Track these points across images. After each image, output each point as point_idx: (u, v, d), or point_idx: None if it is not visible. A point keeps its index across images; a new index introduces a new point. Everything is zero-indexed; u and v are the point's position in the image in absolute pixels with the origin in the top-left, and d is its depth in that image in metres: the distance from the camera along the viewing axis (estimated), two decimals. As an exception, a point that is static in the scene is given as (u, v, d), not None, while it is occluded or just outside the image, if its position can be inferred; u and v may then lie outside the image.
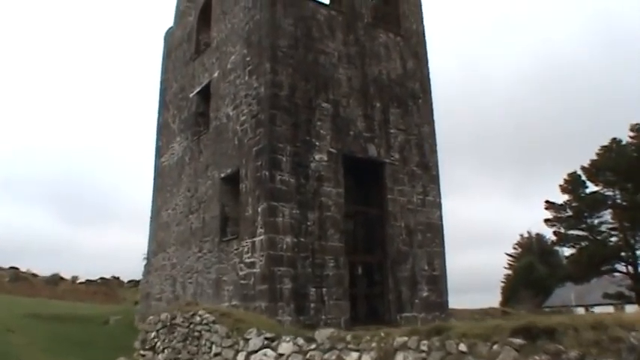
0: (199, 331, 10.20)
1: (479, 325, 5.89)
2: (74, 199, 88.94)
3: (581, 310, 44.02)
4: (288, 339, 8.00)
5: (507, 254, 57.20)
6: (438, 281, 17.51)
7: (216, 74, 18.46)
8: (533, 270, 48.60)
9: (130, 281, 50.30)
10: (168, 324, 11.48)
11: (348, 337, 7.07)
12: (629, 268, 30.56)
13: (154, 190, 22.48)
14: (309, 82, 16.06)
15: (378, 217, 17.00)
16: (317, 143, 15.69)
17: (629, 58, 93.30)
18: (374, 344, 6.56)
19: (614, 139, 30.89)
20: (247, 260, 14.78)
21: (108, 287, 44.85)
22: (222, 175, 16.90)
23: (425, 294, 17.02)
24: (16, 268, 45.68)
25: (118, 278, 48.84)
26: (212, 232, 16.98)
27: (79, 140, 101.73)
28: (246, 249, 14.96)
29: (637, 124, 29.87)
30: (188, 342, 10.47)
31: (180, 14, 24.00)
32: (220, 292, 15.88)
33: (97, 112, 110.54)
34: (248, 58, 16.54)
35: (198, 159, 18.74)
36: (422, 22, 19.99)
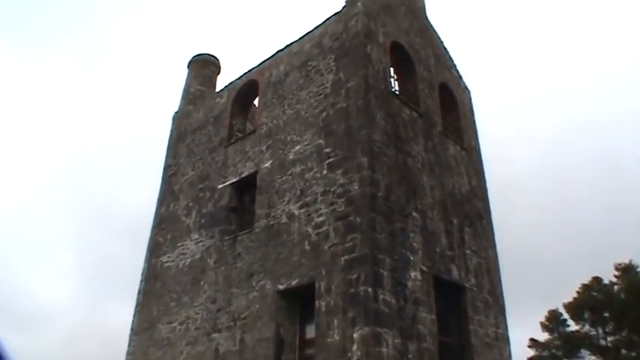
0: None
1: None
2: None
3: None
4: None
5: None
6: None
7: (267, 164, 15.71)
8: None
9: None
10: None
11: None
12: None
13: (141, 296, 18.14)
14: (402, 185, 13.85)
15: (459, 350, 14.33)
16: (412, 258, 13.17)
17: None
18: None
19: (596, 277, 30.91)
20: (332, 403, 11.33)
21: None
22: (281, 287, 13.61)
23: None
24: None
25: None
26: (260, 360, 13.28)
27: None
28: (328, 387, 11.54)
29: (620, 264, 30.25)
30: None
31: (190, 96, 21.45)
32: None
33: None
34: (328, 150, 14.13)
35: (233, 264, 15.26)
36: (477, 139, 18.90)
